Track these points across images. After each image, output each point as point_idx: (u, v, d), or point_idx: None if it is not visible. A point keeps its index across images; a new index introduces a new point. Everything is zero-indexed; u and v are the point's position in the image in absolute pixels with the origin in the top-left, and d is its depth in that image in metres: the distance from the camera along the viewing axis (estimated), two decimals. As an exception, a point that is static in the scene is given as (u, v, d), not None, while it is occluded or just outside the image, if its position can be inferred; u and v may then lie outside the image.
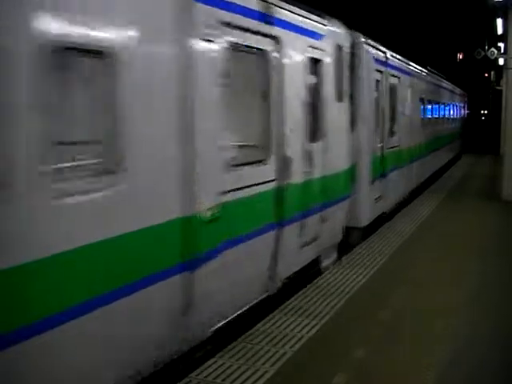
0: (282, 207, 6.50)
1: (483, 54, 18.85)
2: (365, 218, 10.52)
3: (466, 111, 36.65)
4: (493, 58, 18.57)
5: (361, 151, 10.25)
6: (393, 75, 12.79)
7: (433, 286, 7.53)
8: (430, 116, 19.37)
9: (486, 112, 47.06)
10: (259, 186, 6.01)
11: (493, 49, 18.72)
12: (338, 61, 8.45)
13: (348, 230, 9.51)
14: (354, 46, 9.76)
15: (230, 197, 5.36)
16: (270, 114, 6.33)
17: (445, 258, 8.97)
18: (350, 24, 9.70)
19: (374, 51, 11.19)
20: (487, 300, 7.00)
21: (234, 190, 5.45)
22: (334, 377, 4.91)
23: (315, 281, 7.58)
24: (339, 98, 8.50)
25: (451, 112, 26.78)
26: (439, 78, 22.91)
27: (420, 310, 6.59)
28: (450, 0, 35.88)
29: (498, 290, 7.39)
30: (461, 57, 45.36)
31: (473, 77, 43.38)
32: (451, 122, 26.57)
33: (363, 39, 10.58)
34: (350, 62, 9.22)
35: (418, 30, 38.64)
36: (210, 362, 5.10)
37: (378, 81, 11.44)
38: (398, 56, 13.85)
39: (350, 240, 9.85)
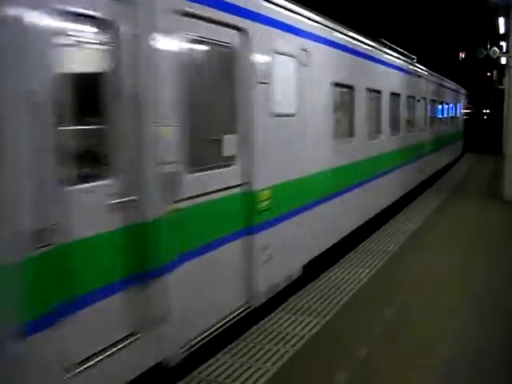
0: None
1: (485, 53, 18.89)
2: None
3: (460, 110, 28.51)
4: (495, 57, 18.61)
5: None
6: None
7: (433, 285, 7.55)
8: (393, 116, 12.76)
9: (488, 111, 47.10)
10: None
11: (495, 48, 18.75)
12: None
13: None
14: None
15: None
16: None
17: (445, 258, 8.99)
18: (350, 22, 9.52)
19: None
20: (487, 300, 7.02)
21: None
22: (335, 376, 4.93)
23: (316, 280, 7.60)
24: None
25: (431, 111, 18.76)
26: (404, 58, 14.71)
27: (421, 310, 6.61)
28: (452, -1, 35.91)
29: (499, 288, 7.42)
30: (463, 56, 45.45)
31: (475, 76, 43.44)
32: (429, 125, 18.50)
33: None
34: None
35: (420, 29, 38.65)
36: (211, 361, 5.13)
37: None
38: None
39: None
